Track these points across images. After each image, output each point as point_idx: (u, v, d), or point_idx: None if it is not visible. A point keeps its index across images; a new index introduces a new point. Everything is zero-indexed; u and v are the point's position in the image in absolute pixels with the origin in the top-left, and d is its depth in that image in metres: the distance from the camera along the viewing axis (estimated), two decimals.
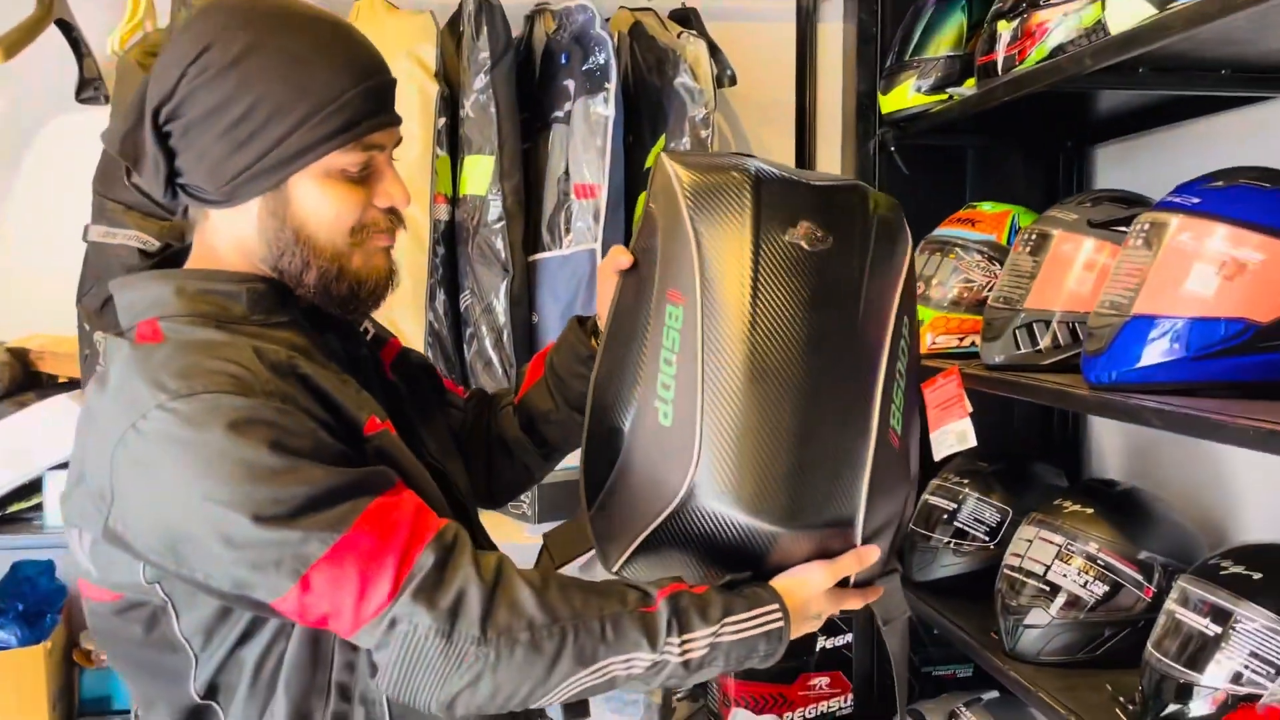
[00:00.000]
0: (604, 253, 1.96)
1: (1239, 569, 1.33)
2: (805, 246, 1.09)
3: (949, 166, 2.21)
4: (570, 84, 1.97)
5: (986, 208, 1.92)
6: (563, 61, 1.99)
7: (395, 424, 1.11)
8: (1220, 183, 1.32)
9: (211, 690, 1.06)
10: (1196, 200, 1.31)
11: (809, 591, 1.11)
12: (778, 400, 1.05)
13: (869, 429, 1.08)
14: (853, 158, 2.17)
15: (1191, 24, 1.16)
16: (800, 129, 2.40)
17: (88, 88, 2.21)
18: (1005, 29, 1.62)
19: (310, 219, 1.08)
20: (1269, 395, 1.22)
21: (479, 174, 1.95)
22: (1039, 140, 2.11)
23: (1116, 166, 2.06)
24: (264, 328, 1.07)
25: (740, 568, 1.10)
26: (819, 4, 2.39)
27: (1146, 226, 1.35)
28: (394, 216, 1.13)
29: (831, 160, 2.36)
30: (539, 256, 1.97)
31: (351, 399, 1.06)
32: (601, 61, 1.94)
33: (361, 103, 1.06)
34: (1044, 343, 1.58)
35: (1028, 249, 1.64)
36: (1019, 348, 1.59)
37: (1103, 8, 1.34)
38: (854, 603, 1.18)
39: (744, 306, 1.06)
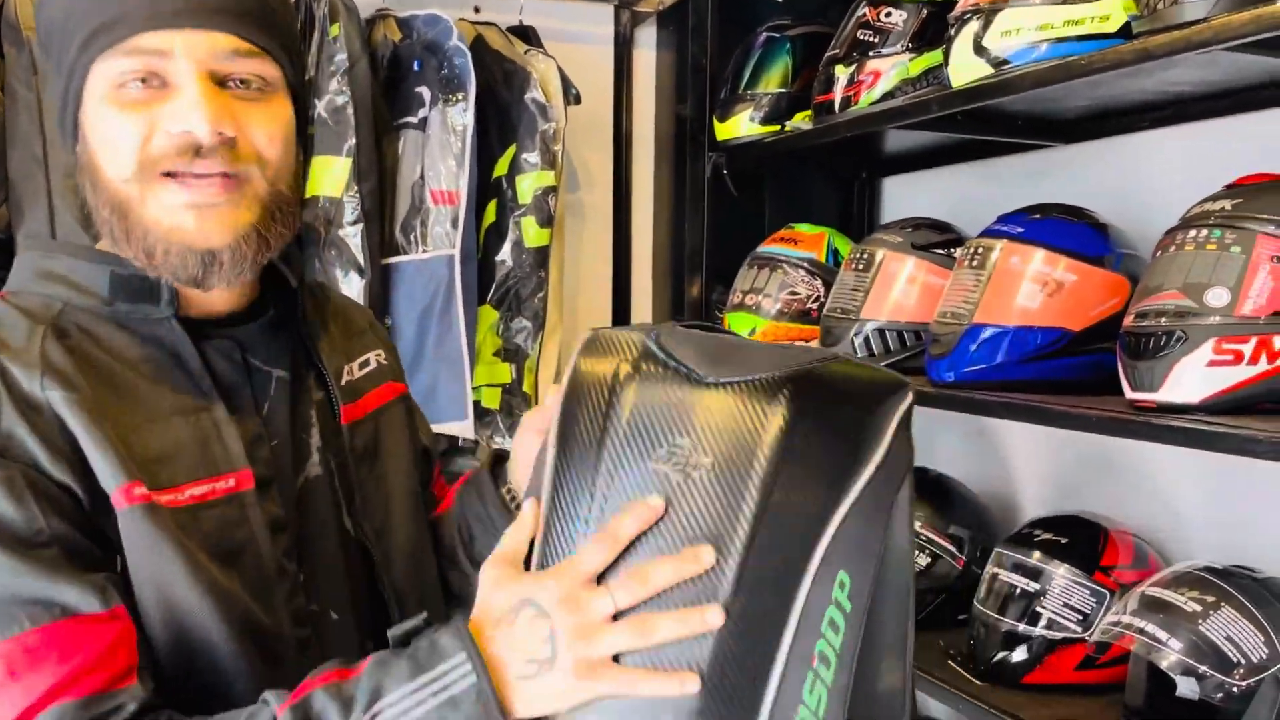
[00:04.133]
0: (462, 257, 2.02)
1: (1048, 535, 1.60)
2: None
3: (748, 188, 2.41)
4: (424, 91, 2.00)
5: (804, 229, 2.14)
6: (415, 68, 2.02)
7: (314, 479, 0.99)
8: (1037, 215, 1.59)
9: None
10: (1020, 230, 1.57)
11: (505, 605, 0.82)
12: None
13: None
14: (668, 177, 2.35)
15: (1035, 84, 1.42)
16: (617, 147, 2.55)
17: None
18: (842, 73, 1.84)
19: (95, 154, 0.90)
20: (1083, 390, 1.48)
21: (331, 176, 1.93)
22: (838, 170, 2.37)
23: (901, 195, 2.36)
24: (119, 323, 0.92)
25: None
26: (635, 33, 2.55)
27: (979, 249, 1.60)
28: (204, 154, 0.88)
29: (647, 177, 2.54)
30: (394, 260, 1.98)
31: (126, 454, 0.86)
32: (458, 72, 1.99)
33: (133, 3, 0.88)
34: (877, 347, 1.82)
35: (857, 266, 1.87)
36: (857, 353, 1.81)
37: (946, 63, 1.57)
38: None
39: None
